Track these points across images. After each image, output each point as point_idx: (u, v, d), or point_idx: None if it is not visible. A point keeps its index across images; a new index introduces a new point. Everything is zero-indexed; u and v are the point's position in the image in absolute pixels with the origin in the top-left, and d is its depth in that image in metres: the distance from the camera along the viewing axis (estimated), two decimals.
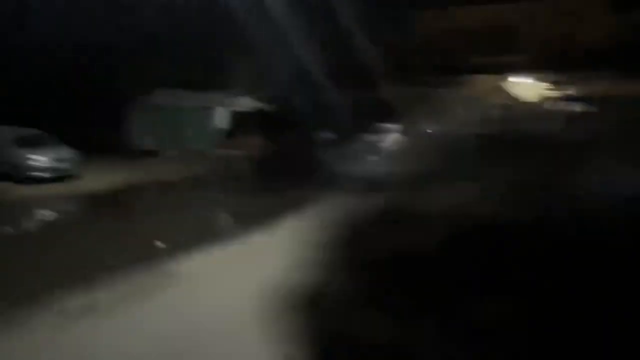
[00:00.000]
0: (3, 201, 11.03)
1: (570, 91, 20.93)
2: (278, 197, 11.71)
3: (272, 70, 18.49)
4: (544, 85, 22.06)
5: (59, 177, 13.37)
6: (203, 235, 7.96)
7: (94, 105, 19.47)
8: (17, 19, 17.19)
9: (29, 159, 12.93)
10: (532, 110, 23.45)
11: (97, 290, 4.73)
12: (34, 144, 13.79)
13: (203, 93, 18.85)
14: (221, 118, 17.72)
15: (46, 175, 13.08)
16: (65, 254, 6.60)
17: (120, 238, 7.58)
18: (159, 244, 7.04)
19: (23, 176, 12.81)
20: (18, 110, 16.23)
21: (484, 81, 24.06)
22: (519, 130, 16.59)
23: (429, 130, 22.88)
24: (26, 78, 17.95)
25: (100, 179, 14.09)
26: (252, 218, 9.46)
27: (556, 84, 21.60)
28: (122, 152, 18.31)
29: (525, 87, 22.47)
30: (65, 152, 14.00)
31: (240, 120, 17.75)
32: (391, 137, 12.25)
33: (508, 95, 24.03)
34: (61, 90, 18.97)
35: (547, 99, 23.36)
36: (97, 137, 19.27)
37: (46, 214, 10.26)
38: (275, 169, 16.35)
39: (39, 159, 13.09)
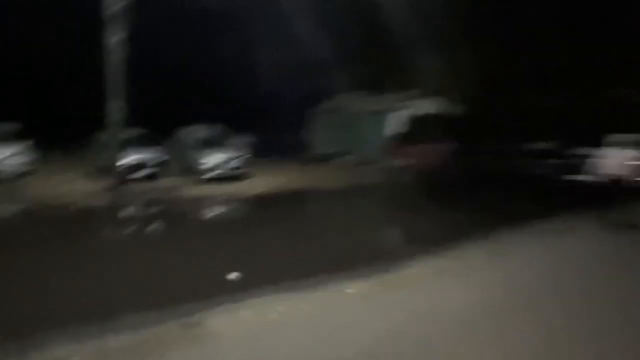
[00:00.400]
0: (157, 198, 11.56)
1: None
2: (455, 219, 9.31)
3: (463, 69, 15.75)
4: None
5: (231, 176, 13.66)
6: (323, 264, 6.25)
7: (276, 109, 20.21)
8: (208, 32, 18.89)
9: (203, 158, 13.51)
10: None
11: (93, 338, 3.52)
12: (212, 144, 14.40)
13: (383, 96, 17.38)
14: (397, 122, 15.84)
15: (217, 174, 13.48)
16: (120, 274, 5.75)
17: (213, 259, 6.48)
18: (234, 276, 5.65)
19: (198, 174, 13.47)
20: (205, 110, 17.80)
21: None
22: None
23: None
24: (216, 82, 19.83)
25: (268, 181, 13.96)
26: (404, 246, 7.39)
27: None
28: (300, 156, 18.36)
29: None
30: (240, 153, 14.30)
31: (419, 125, 15.54)
32: (621, 153, 8.38)
33: None
34: (244, 93, 20.28)
35: None
36: (279, 140, 19.94)
37: (176, 216, 10.19)
38: (457, 184, 13.72)
39: (213, 159, 13.56)
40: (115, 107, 8.95)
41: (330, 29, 17.04)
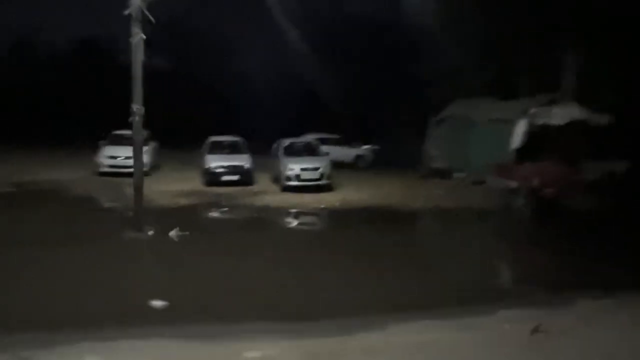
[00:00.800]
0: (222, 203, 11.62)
1: None
2: (552, 267, 7.01)
3: (608, 69, 11.96)
4: None
5: (314, 186, 13.03)
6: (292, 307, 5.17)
7: (394, 118, 18.83)
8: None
9: (289, 167, 13.22)
10: None
11: None
12: (304, 153, 14.20)
13: (510, 102, 14.44)
14: (523, 134, 12.85)
15: (300, 184, 13.03)
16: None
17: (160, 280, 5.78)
18: (157, 303, 4.80)
19: (283, 182, 13.24)
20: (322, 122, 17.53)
21: None
22: None
23: None
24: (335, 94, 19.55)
25: (351, 194, 12.94)
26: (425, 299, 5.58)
27: None
28: (411, 168, 16.51)
29: None
30: (321, 163, 13.55)
31: (550, 138, 12.35)
32: None
33: None
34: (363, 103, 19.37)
35: None
36: (393, 151, 18.43)
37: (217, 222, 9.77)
38: (589, 218, 10.47)
39: (297, 168, 13.19)
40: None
41: (449, 26, 15.00)
